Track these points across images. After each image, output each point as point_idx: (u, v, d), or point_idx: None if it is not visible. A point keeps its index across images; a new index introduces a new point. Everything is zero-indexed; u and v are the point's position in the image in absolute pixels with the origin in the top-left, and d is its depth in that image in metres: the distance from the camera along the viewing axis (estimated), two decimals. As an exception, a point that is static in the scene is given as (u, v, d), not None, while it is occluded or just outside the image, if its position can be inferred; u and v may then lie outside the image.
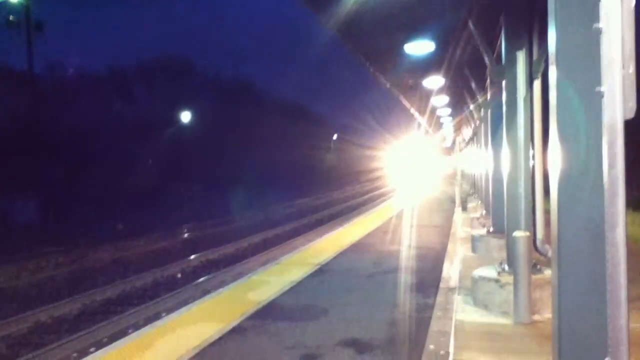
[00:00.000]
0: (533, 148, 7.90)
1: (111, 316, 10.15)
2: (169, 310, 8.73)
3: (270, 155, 53.78)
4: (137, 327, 8.12)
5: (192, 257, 15.93)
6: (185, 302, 9.80)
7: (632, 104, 2.58)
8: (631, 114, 2.59)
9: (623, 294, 2.58)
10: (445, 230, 16.06)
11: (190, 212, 31.49)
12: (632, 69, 2.59)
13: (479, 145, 20.49)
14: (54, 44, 56.24)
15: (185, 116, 51.78)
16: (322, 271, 10.21)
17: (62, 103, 39.76)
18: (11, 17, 30.00)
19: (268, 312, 7.43)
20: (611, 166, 2.59)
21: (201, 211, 31.13)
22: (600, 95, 2.70)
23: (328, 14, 10.39)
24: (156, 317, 8.96)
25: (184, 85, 52.92)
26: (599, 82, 2.71)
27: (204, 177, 46.83)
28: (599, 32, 2.68)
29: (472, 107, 19.28)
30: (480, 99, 15.06)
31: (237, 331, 6.62)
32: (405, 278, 9.55)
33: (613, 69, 2.61)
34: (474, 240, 11.49)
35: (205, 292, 10.65)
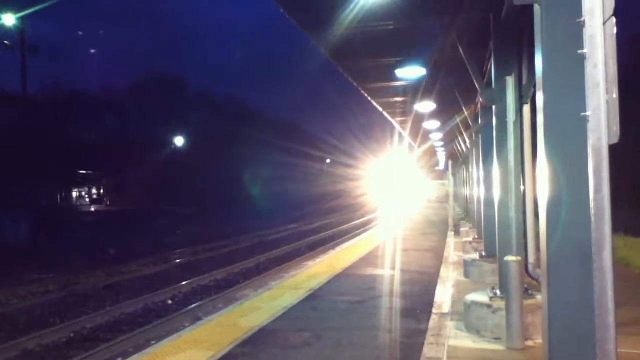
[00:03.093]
0: (523, 172, 7.93)
1: (101, 344, 10.00)
2: (160, 338, 8.61)
3: (262, 177, 53.70)
4: (126, 355, 8.01)
5: (184, 283, 15.79)
6: (176, 329, 9.68)
7: (617, 129, 2.59)
8: (615, 139, 2.60)
9: (611, 318, 2.57)
10: (438, 255, 16.00)
11: (182, 235, 31.31)
12: (615, 93, 2.62)
13: (470, 169, 20.57)
14: (49, 65, 56.56)
15: (177, 137, 51.85)
16: (314, 296, 10.13)
17: (56, 124, 39.76)
18: (6, 42, 30.28)
19: (260, 339, 7.34)
20: (597, 191, 2.59)
21: (193, 235, 30.94)
22: (586, 120, 2.72)
23: (321, 37, 10.53)
24: (146, 344, 8.85)
25: (176, 105, 53.05)
26: (584, 107, 2.74)
27: (195, 198, 46.68)
28: (583, 57, 2.71)
29: (463, 131, 19.41)
30: (471, 123, 15.16)
31: (228, 359, 6.53)
32: (398, 303, 9.48)
33: (597, 94, 2.64)
34: (466, 265, 11.46)
35: (197, 319, 10.53)
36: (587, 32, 2.65)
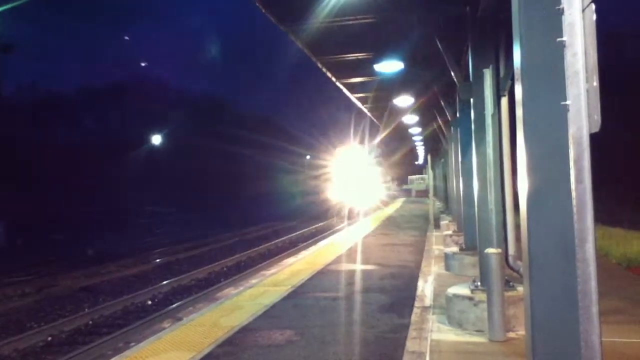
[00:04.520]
0: (502, 164, 7.94)
1: (79, 347, 9.83)
2: (139, 340, 8.47)
3: (243, 175, 53.38)
4: (105, 357, 7.87)
5: (164, 282, 15.61)
6: (156, 331, 9.54)
7: (597, 118, 2.56)
8: (596, 128, 2.57)
9: (595, 310, 2.54)
10: (419, 248, 16.05)
11: (162, 235, 31.01)
12: (595, 82, 2.58)
13: (449, 162, 20.66)
14: (25, 66, 55.64)
15: (157, 137, 51.40)
16: (296, 293, 10.06)
17: (32, 124, 39.15)
18: None
19: (241, 338, 7.25)
20: (578, 181, 2.56)
21: (173, 234, 30.66)
22: (566, 109, 2.68)
23: (298, 32, 10.45)
24: (126, 347, 8.69)
25: (156, 105, 52.54)
26: (564, 96, 2.70)
27: (176, 198, 46.30)
28: (562, 45, 2.67)
29: (442, 125, 19.48)
30: (449, 117, 15.20)
31: (208, 359, 6.43)
32: (380, 298, 9.46)
33: (577, 83, 2.60)
34: (447, 258, 11.49)
35: (177, 319, 10.39)
36: (566, 19, 2.61)
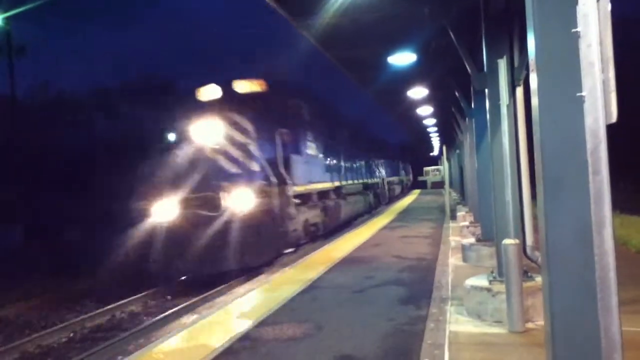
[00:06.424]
0: (518, 154, 7.91)
1: (100, 343, 9.98)
2: (160, 335, 8.59)
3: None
4: (127, 353, 7.97)
5: (183, 277, 15.73)
6: (176, 326, 9.65)
7: (613, 108, 2.55)
8: (612, 119, 2.56)
9: (614, 300, 2.54)
10: (436, 240, 16.02)
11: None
12: (611, 72, 2.57)
13: (465, 153, 20.57)
14: (37, 67, 55.98)
15: (171, 135, 51.48)
16: (313, 287, 10.11)
17: (47, 126, 39.44)
18: None
19: (260, 332, 7.32)
20: (595, 172, 2.56)
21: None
22: (582, 100, 2.67)
23: (310, 26, 10.46)
24: (147, 342, 8.81)
25: (167, 105, 52.48)
26: (579, 87, 2.69)
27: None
28: (577, 36, 2.66)
29: (457, 115, 19.39)
30: (464, 108, 15.12)
31: (228, 353, 6.51)
32: (397, 290, 9.47)
33: (592, 73, 2.59)
34: (464, 249, 11.47)
35: (197, 314, 10.50)
36: (581, 10, 2.60)
